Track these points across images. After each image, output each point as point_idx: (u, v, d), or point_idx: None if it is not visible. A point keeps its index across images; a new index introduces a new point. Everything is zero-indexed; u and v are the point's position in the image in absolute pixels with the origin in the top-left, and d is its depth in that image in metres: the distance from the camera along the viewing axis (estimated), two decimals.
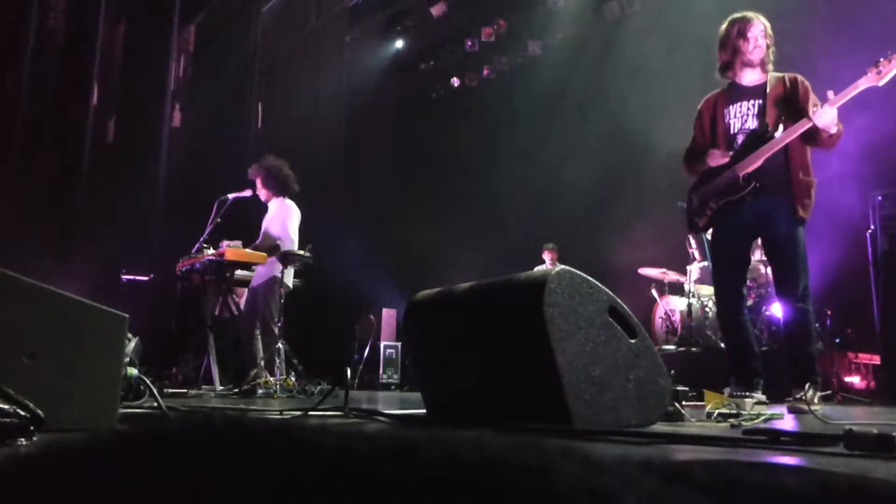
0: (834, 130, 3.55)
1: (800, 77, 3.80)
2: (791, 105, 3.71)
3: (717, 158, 3.84)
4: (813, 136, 3.62)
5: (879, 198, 5.50)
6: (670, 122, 6.61)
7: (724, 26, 3.91)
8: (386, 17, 11.23)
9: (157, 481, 0.30)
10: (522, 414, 2.29)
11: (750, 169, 3.68)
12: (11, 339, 1.80)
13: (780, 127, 3.66)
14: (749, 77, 3.85)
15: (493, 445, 0.31)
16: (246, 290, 6.14)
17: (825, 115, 3.49)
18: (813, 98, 3.70)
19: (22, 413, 1.47)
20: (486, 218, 9.69)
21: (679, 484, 0.38)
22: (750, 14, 3.83)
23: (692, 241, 6.93)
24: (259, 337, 5.56)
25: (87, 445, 0.34)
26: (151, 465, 0.31)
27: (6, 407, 1.46)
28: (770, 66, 3.84)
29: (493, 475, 0.28)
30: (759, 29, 3.79)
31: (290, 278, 5.72)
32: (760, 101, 3.77)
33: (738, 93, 3.87)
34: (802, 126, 3.56)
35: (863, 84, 3.45)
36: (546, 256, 8.51)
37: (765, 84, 3.81)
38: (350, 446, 0.29)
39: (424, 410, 2.90)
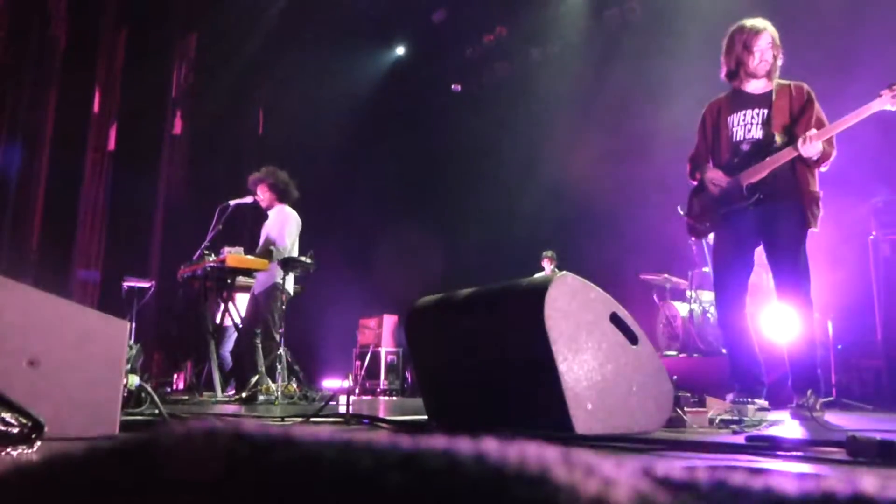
0: (814, 157, 3.54)
1: (806, 87, 3.75)
2: (794, 117, 3.69)
3: (716, 180, 3.80)
4: (804, 159, 3.62)
5: (881, 203, 5.50)
6: (671, 128, 6.62)
7: (730, 32, 3.82)
8: (387, 23, 11.26)
9: (159, 492, 0.30)
10: (524, 420, 2.29)
11: (754, 179, 3.66)
12: (12, 346, 1.80)
13: (785, 139, 3.65)
14: (754, 85, 3.81)
15: (493, 454, 0.31)
16: (242, 295, 6.15)
17: (812, 147, 3.48)
18: (817, 111, 3.68)
19: (23, 420, 1.47)
20: (486, 224, 9.70)
21: (680, 491, 0.38)
22: (758, 24, 3.74)
23: (693, 247, 6.93)
24: (259, 344, 5.56)
25: (90, 455, 0.34)
26: (154, 476, 0.31)
27: (7, 415, 1.46)
28: (776, 75, 3.80)
29: (493, 485, 0.28)
30: (767, 42, 3.72)
31: (290, 284, 5.73)
32: (766, 111, 3.74)
33: (742, 100, 3.84)
34: (790, 154, 3.56)
35: (876, 106, 3.38)
36: (545, 264, 8.52)
37: (770, 93, 3.76)
38: (352, 456, 0.29)
39: (426, 416, 2.89)
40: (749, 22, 3.78)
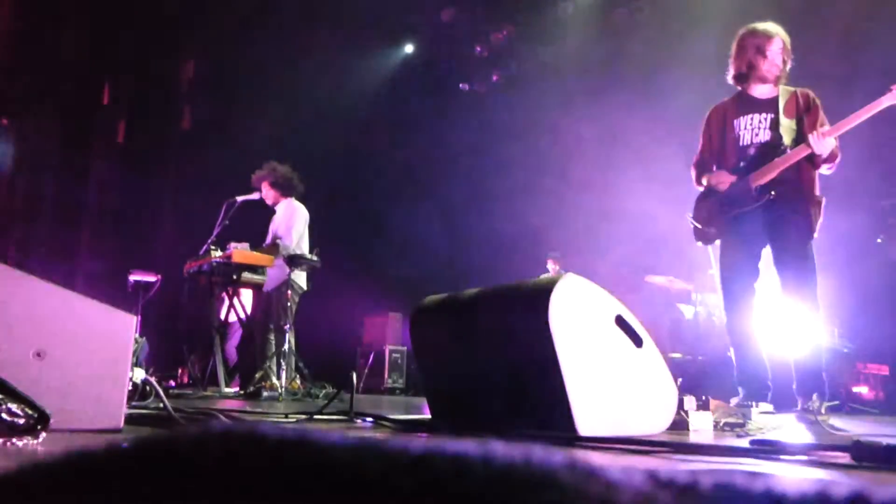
0: (826, 154, 3.54)
1: (811, 94, 3.76)
2: (801, 122, 3.69)
3: (721, 180, 3.80)
4: (812, 160, 3.61)
5: (889, 206, 5.48)
6: (679, 129, 6.60)
7: (742, 34, 3.82)
8: (396, 21, 11.26)
9: (172, 492, 0.30)
10: (527, 421, 2.29)
11: (763, 181, 3.66)
12: (20, 337, 1.82)
13: (792, 142, 3.65)
14: (761, 90, 3.81)
15: (501, 457, 0.31)
16: (246, 290, 6.16)
17: (825, 144, 3.48)
18: (822, 118, 3.68)
19: (29, 411, 1.48)
20: (492, 224, 9.68)
21: (684, 495, 0.38)
22: (771, 29, 3.73)
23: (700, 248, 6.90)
24: (271, 340, 5.58)
25: (109, 452, 0.34)
26: (167, 475, 0.31)
27: (13, 405, 1.46)
28: (783, 81, 3.80)
29: (501, 489, 0.28)
30: (779, 46, 3.72)
31: (303, 280, 5.74)
32: (773, 115, 3.74)
33: (749, 104, 3.83)
34: (802, 152, 3.56)
35: (886, 102, 3.39)
36: (550, 265, 8.50)
37: (777, 98, 3.77)
38: (363, 459, 0.29)
39: (429, 416, 2.89)
40: (761, 26, 3.77)
